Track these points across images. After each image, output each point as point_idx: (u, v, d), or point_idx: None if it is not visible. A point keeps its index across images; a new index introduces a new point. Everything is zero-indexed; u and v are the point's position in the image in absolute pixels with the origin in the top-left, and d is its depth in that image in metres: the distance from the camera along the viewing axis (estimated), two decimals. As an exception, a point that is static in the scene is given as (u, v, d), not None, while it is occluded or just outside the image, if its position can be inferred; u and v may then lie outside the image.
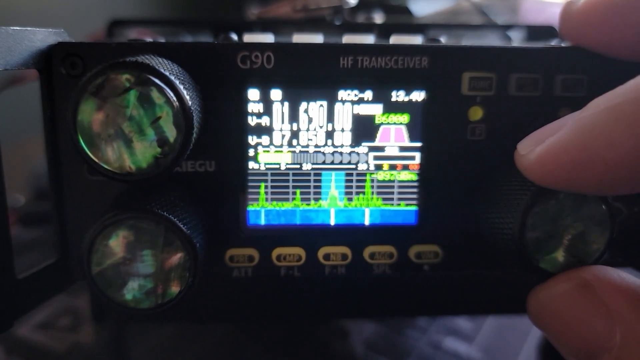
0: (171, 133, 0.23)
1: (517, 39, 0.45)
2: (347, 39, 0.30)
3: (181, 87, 0.23)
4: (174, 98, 0.23)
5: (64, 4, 0.87)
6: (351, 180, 0.29)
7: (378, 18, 0.42)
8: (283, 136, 0.28)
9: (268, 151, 0.28)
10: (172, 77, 0.23)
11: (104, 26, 0.46)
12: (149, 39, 0.29)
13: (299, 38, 0.30)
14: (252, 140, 0.28)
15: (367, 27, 0.40)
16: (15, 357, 0.41)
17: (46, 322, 0.45)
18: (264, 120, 0.28)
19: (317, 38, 0.30)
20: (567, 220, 0.26)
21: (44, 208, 0.55)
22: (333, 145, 0.29)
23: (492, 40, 0.49)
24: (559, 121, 0.24)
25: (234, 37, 0.29)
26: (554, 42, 0.35)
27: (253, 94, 0.28)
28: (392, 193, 0.29)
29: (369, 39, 0.32)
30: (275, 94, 0.28)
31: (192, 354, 0.41)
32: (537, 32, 0.42)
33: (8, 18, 0.81)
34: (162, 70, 0.23)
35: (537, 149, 0.23)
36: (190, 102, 0.23)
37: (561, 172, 0.23)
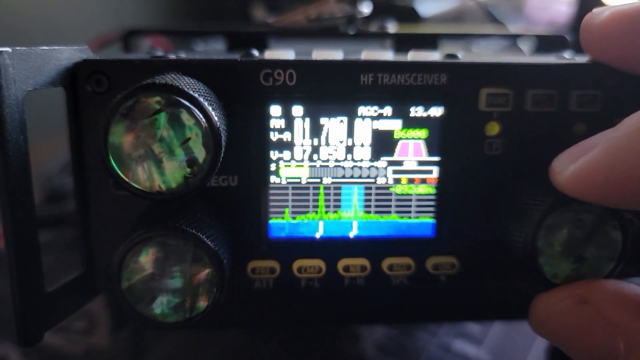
0: (200, 153, 0.24)
1: (526, 46, 0.45)
2: (366, 54, 0.31)
3: (210, 108, 0.24)
4: (204, 120, 0.23)
5: (72, 12, 0.87)
6: (370, 194, 0.30)
7: (391, 27, 0.43)
8: (304, 151, 0.29)
9: (289, 166, 0.29)
10: (201, 99, 0.23)
11: (111, 29, 0.46)
12: (171, 55, 0.29)
13: (319, 54, 0.31)
14: (273, 155, 0.29)
15: (381, 37, 0.40)
16: None
17: (61, 325, 0.45)
18: (286, 136, 0.29)
19: (337, 54, 0.31)
20: (580, 236, 0.26)
21: (55, 211, 0.56)
22: (353, 159, 0.29)
23: (500, 45, 0.50)
24: (592, 139, 0.25)
25: (255, 53, 0.30)
26: (566, 54, 0.36)
27: (275, 110, 0.28)
28: (410, 206, 0.30)
29: (388, 54, 0.32)
30: (297, 110, 0.28)
31: (206, 357, 0.41)
32: (548, 41, 0.42)
33: (21, 28, 0.81)
34: (192, 93, 0.23)
35: (570, 167, 0.24)
36: (218, 123, 0.24)
37: (593, 189, 0.24)
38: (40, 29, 0.83)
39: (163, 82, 0.23)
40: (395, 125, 0.29)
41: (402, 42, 0.40)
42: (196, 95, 0.23)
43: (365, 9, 0.40)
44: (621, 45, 0.27)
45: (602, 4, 0.67)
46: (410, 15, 0.61)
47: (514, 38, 0.45)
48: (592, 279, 0.26)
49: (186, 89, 0.23)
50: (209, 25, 0.45)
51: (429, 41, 0.40)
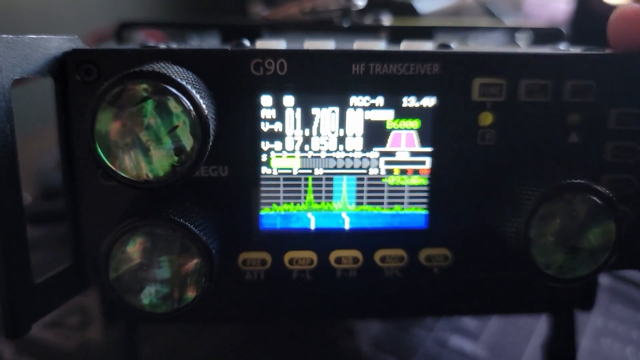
0: (188, 142, 0.24)
1: (523, 40, 0.45)
2: (359, 44, 0.30)
3: (197, 96, 0.23)
4: (191, 107, 0.23)
5: (67, 6, 0.87)
6: (362, 185, 0.29)
7: (386, 20, 0.42)
8: (295, 141, 0.29)
9: (280, 156, 0.29)
10: (189, 87, 0.23)
11: (107, 25, 0.46)
12: (162, 45, 0.29)
13: (310, 44, 0.30)
14: (264, 145, 0.29)
15: (375, 30, 0.40)
16: (24, 355, 0.42)
17: (55, 321, 0.45)
18: (277, 126, 0.28)
19: (329, 44, 0.31)
20: (573, 226, 0.26)
21: (50, 207, 0.55)
22: (345, 150, 0.29)
23: (497, 39, 0.49)
24: None
25: (247, 43, 0.30)
26: (562, 46, 0.35)
27: (266, 100, 0.28)
28: (403, 197, 0.30)
29: (381, 44, 0.32)
30: (288, 100, 0.28)
31: (200, 352, 0.41)
32: (544, 34, 0.42)
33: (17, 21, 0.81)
34: (179, 80, 0.23)
35: None
36: (206, 111, 0.23)
37: None
38: (35, 23, 0.82)
39: (150, 69, 0.23)
40: (388, 115, 0.29)
41: (397, 35, 0.40)
42: (184, 82, 0.23)
43: (360, 1, 0.40)
44: None
45: (603, 2, 0.67)
46: (407, 11, 0.61)
47: (510, 31, 0.45)
48: None
49: (173, 77, 0.23)
50: (203, 18, 0.45)
51: (424, 34, 0.39)
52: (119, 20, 0.41)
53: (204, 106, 0.23)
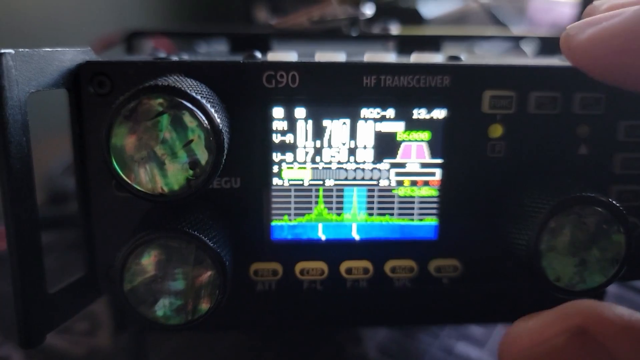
0: (203, 155, 0.24)
1: (530, 48, 0.45)
2: (369, 56, 0.31)
3: (212, 110, 0.24)
4: (206, 122, 0.23)
5: (75, 13, 0.87)
6: (373, 196, 0.30)
7: (394, 28, 0.42)
8: (306, 153, 0.29)
9: (292, 168, 0.29)
10: (204, 101, 0.23)
11: (114, 31, 0.46)
12: (174, 57, 0.29)
13: (321, 56, 0.31)
14: (276, 157, 0.29)
15: (383, 38, 0.40)
16: (34, 361, 0.42)
17: (64, 327, 0.45)
18: (288, 138, 0.29)
19: (340, 56, 0.31)
20: (583, 238, 0.26)
21: (58, 212, 0.56)
22: (355, 161, 0.29)
23: (503, 47, 0.50)
24: (618, 10, 0.23)
25: (258, 54, 0.30)
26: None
27: (278, 112, 0.28)
28: (413, 208, 0.30)
29: (391, 56, 0.32)
30: (300, 112, 0.28)
31: (208, 358, 0.41)
32: (551, 43, 0.42)
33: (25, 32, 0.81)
34: (194, 94, 0.23)
35: (588, 30, 0.23)
36: (221, 126, 0.24)
37: (607, 56, 0.22)
38: (43, 31, 0.83)
39: (165, 83, 0.23)
40: (398, 127, 0.29)
41: (405, 44, 0.40)
42: (198, 97, 0.23)
43: (368, 10, 0.40)
44: (610, 65, 0.24)
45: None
46: (413, 17, 0.61)
47: (516, 40, 0.45)
48: (584, 303, 0.22)
49: (189, 91, 0.23)
50: (212, 26, 0.45)
51: (432, 43, 0.40)
52: (127, 28, 0.41)
53: (218, 120, 0.24)
